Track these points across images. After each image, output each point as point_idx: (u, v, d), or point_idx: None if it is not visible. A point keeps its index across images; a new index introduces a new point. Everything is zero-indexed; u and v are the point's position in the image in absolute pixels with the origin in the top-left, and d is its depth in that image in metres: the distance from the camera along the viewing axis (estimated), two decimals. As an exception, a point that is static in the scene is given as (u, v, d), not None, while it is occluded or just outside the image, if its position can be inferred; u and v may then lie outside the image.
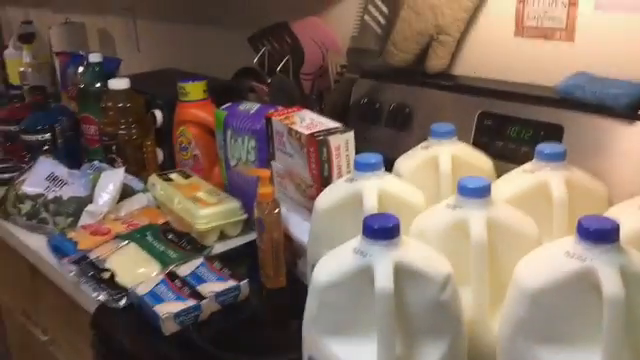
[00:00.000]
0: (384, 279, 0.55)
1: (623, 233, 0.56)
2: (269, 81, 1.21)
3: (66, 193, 1.14)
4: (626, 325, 0.52)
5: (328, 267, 0.61)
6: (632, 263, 0.54)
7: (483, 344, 0.64)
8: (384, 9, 1.08)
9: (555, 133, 0.88)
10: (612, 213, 0.68)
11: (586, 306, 0.54)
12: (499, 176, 0.82)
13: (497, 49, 1.04)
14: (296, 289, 0.89)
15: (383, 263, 0.56)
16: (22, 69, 1.91)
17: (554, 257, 0.57)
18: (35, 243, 1.10)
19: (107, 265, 0.95)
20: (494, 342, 0.62)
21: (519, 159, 0.84)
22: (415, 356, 0.59)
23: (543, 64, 0.99)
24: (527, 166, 0.78)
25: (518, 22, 1.00)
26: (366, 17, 1.10)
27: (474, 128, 0.98)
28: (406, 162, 0.87)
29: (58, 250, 1.02)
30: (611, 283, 0.52)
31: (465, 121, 0.99)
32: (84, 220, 1.09)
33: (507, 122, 0.95)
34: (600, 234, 0.54)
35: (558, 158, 0.75)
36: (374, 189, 0.74)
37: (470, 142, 0.98)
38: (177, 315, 0.83)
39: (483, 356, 0.64)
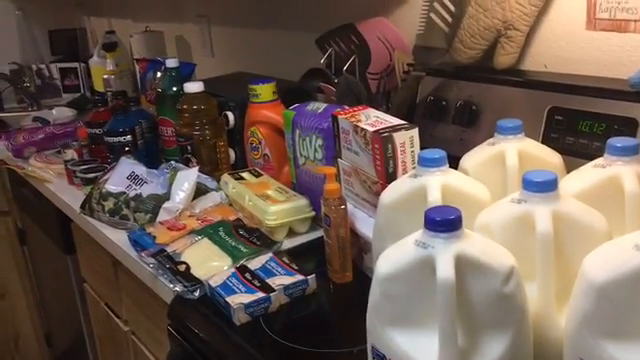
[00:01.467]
0: (445, 270, 0.56)
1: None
2: (336, 81, 1.23)
3: (145, 191, 1.21)
4: (700, 321, 0.50)
5: (390, 259, 0.62)
6: None
7: (549, 338, 0.63)
8: (450, 6, 1.08)
9: (629, 127, 0.86)
10: (688, 208, 0.66)
11: (657, 301, 0.53)
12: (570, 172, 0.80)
13: (567, 43, 1.02)
14: (362, 284, 0.90)
15: (444, 254, 0.57)
16: (105, 76, 2.03)
17: (623, 250, 0.55)
18: (117, 238, 1.18)
19: (183, 258, 1.00)
20: (561, 337, 0.61)
21: (591, 154, 0.82)
22: (478, 348, 0.59)
23: (616, 56, 0.96)
24: (598, 161, 0.76)
25: (590, 14, 0.97)
26: (432, 15, 1.10)
27: (544, 124, 0.96)
28: (472, 158, 0.87)
29: (138, 244, 1.09)
30: (682, 277, 0.50)
31: (534, 117, 0.97)
32: (162, 216, 1.15)
33: (578, 116, 0.92)
34: (671, 227, 0.52)
35: (631, 152, 0.72)
36: (438, 184, 0.74)
37: (540, 138, 0.96)
38: (248, 306, 0.86)
39: (549, 351, 0.63)
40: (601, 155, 0.76)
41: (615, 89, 0.90)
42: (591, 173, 0.75)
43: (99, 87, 2.16)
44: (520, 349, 0.60)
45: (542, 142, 0.93)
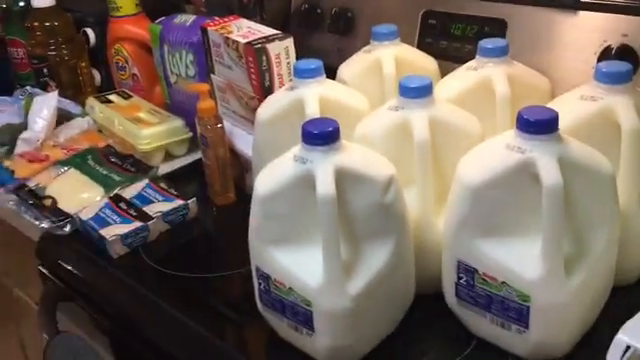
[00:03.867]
0: (325, 185, 0.54)
1: (563, 124, 0.56)
2: (205, -10, 1.14)
3: (-2, 122, 1.09)
4: (565, 213, 0.53)
5: (269, 177, 0.60)
6: (571, 152, 0.54)
7: (429, 242, 0.64)
8: None
9: (499, 28, 0.87)
10: (554, 105, 0.68)
11: (527, 197, 0.55)
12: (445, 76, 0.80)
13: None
14: (246, 204, 0.87)
15: (323, 169, 0.55)
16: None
17: (495, 151, 0.56)
18: (-30, 176, 1.05)
19: (48, 192, 0.92)
20: (440, 240, 0.63)
21: (464, 57, 0.82)
22: (361, 259, 0.59)
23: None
24: (471, 63, 0.77)
25: None
26: None
27: (418, 28, 0.96)
28: (349, 67, 0.85)
29: (-6, 181, 0.98)
30: (549, 173, 0.52)
31: (409, 22, 0.96)
32: (20, 148, 1.04)
33: (451, 20, 0.92)
34: (539, 125, 0.53)
35: (500, 53, 0.73)
36: (315, 95, 0.72)
37: (415, 43, 0.95)
38: (124, 237, 0.81)
39: (430, 253, 0.64)
40: (474, 58, 0.76)
41: (486, -10, 0.90)
42: (464, 76, 0.76)
43: None
44: (402, 256, 0.61)
45: (417, 47, 0.92)
